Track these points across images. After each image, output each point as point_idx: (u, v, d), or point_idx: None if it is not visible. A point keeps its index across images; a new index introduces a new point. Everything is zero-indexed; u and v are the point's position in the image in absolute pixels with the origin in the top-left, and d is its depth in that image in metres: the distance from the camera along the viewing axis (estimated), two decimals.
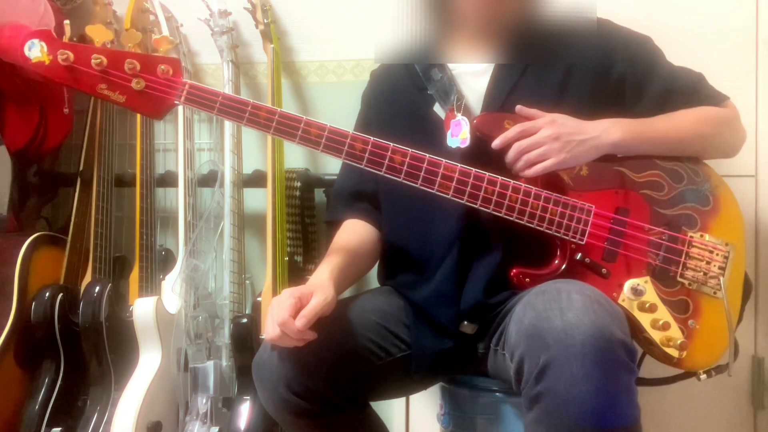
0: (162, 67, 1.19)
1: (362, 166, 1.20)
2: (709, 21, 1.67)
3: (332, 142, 1.19)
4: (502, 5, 1.28)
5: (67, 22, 1.52)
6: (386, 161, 1.19)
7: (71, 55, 1.16)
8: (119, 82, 1.18)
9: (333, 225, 1.45)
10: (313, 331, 1.13)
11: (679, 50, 1.39)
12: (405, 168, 1.19)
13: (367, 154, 1.19)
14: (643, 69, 1.32)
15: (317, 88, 1.89)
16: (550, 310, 1.03)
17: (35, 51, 1.16)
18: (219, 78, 1.81)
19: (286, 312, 1.11)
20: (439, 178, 1.19)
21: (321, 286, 1.19)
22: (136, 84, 1.18)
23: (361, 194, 1.43)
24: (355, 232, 1.40)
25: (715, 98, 1.35)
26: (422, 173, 1.19)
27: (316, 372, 1.16)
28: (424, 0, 1.29)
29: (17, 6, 1.66)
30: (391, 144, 1.19)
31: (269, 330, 1.13)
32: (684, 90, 1.33)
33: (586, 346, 0.97)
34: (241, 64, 1.86)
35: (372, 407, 1.35)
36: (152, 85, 1.19)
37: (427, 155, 1.19)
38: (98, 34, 1.65)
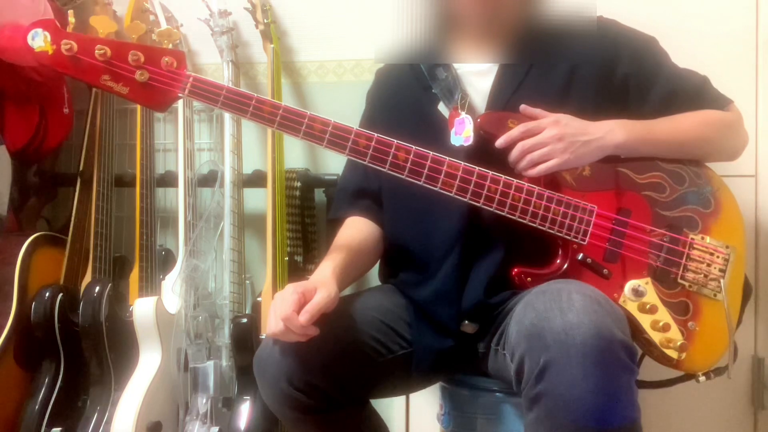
0: (166, 59, 1.18)
1: (366, 162, 1.20)
2: (710, 22, 1.68)
3: (336, 137, 1.19)
4: (500, 5, 1.28)
5: (71, 12, 1.52)
6: (390, 158, 1.19)
7: (75, 45, 1.15)
8: (123, 74, 1.17)
9: (336, 223, 1.45)
10: (316, 327, 1.13)
11: (680, 51, 1.39)
12: (408, 165, 1.19)
13: (370, 151, 1.19)
14: (648, 70, 1.32)
15: (317, 88, 1.89)
16: (550, 311, 1.03)
17: (39, 40, 1.15)
18: (219, 78, 1.80)
19: (290, 307, 1.11)
20: (442, 176, 1.19)
21: (324, 282, 1.19)
22: (140, 76, 1.17)
23: (364, 192, 1.43)
24: (357, 230, 1.40)
25: (719, 101, 1.35)
26: (425, 170, 1.19)
27: (318, 367, 1.16)
28: (425, 0, 1.29)
29: (17, 6, 1.66)
30: (395, 141, 1.19)
31: (272, 324, 1.13)
32: (688, 92, 1.33)
33: (587, 347, 0.97)
34: (241, 64, 1.86)
35: (372, 405, 1.35)
36: (156, 77, 1.18)
37: (431, 153, 1.19)
38: (102, 25, 1.66)
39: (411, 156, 1.19)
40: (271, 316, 1.14)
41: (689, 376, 1.26)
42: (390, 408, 1.78)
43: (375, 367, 1.25)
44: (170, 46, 1.74)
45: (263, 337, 1.59)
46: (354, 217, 1.43)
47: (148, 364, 1.64)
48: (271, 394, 1.19)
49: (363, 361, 1.23)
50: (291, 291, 1.14)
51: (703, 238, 1.25)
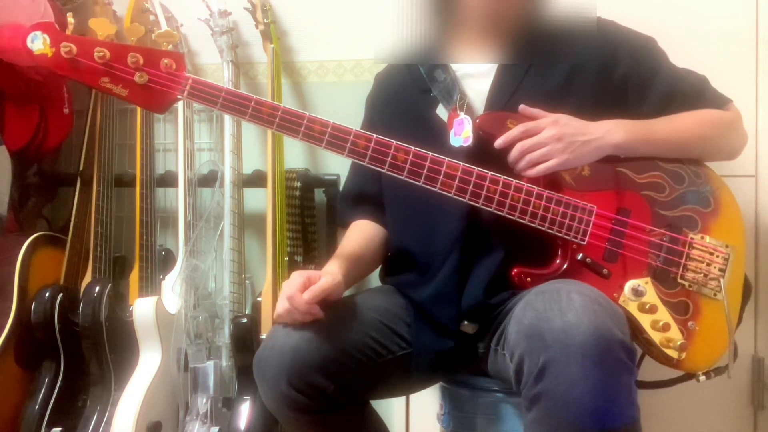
0: (165, 61, 1.18)
1: (365, 163, 1.20)
2: (709, 22, 1.68)
3: (335, 138, 1.19)
4: (503, 5, 1.28)
5: (70, 14, 1.52)
6: (389, 159, 1.19)
7: (74, 48, 1.15)
8: (122, 76, 1.17)
9: (342, 228, 1.48)
10: (320, 309, 1.16)
11: (680, 51, 1.39)
12: (408, 166, 1.19)
13: (369, 152, 1.19)
14: (647, 70, 1.32)
15: (317, 88, 1.89)
16: (550, 311, 1.03)
17: (38, 43, 1.15)
18: (219, 78, 1.81)
19: (295, 288, 1.15)
20: (441, 177, 1.19)
21: (330, 272, 1.23)
22: (139, 78, 1.17)
23: (365, 196, 1.45)
24: (361, 232, 1.42)
25: (718, 101, 1.35)
26: (425, 171, 1.19)
27: (317, 368, 1.16)
28: (426, 0, 1.29)
29: (17, 6, 1.66)
30: (394, 141, 1.19)
31: (278, 306, 1.18)
32: (687, 92, 1.33)
33: (586, 347, 0.97)
34: (241, 64, 1.86)
35: (372, 406, 1.35)
36: (155, 79, 1.18)
37: (430, 153, 1.20)
38: (101, 27, 1.66)
39: (410, 157, 1.19)
40: (279, 299, 1.18)
41: (689, 376, 1.26)
42: (390, 408, 1.78)
43: (375, 367, 1.25)
44: (170, 47, 1.74)
45: (263, 337, 1.59)
46: (358, 221, 1.45)
47: (148, 364, 1.64)
48: (271, 394, 1.19)
49: (363, 362, 1.23)
50: (297, 275, 1.19)
51: (702, 238, 1.25)
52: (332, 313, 1.19)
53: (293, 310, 1.15)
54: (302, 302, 1.14)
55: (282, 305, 1.17)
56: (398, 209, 1.38)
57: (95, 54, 1.16)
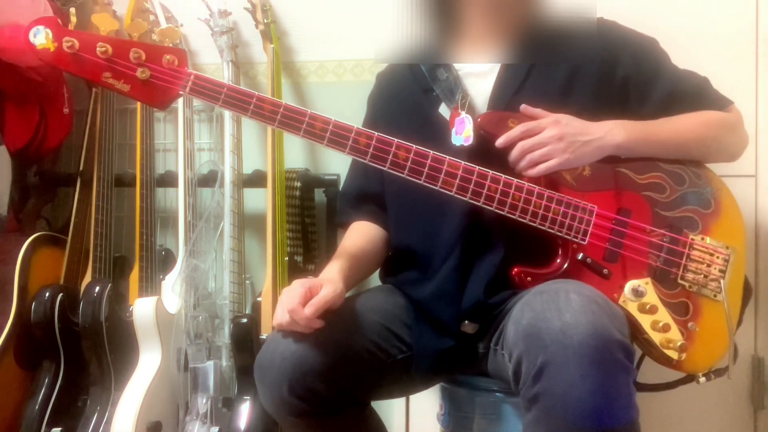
0: (167, 57, 1.18)
1: (366, 161, 1.20)
2: (710, 22, 1.68)
3: (337, 136, 1.19)
4: (503, 5, 1.28)
5: (72, 10, 1.52)
6: (390, 156, 1.19)
7: (76, 43, 1.15)
8: (124, 71, 1.17)
9: (341, 228, 1.47)
10: (321, 320, 1.15)
11: (680, 51, 1.39)
12: (409, 164, 1.19)
13: (371, 149, 1.19)
14: (648, 71, 1.32)
15: (317, 88, 1.89)
16: (548, 311, 1.03)
17: (40, 38, 1.15)
18: (219, 78, 1.80)
19: (296, 300, 1.14)
20: (442, 175, 1.19)
21: (331, 280, 1.21)
22: (141, 73, 1.17)
23: (366, 195, 1.44)
24: (362, 233, 1.42)
25: (719, 102, 1.35)
26: (426, 169, 1.19)
27: (318, 374, 1.16)
28: (426, 0, 1.29)
29: (17, 6, 1.66)
30: (396, 140, 1.19)
31: (278, 316, 1.16)
32: (688, 93, 1.33)
33: (584, 347, 0.97)
34: (241, 64, 1.86)
35: (372, 407, 1.35)
36: (157, 74, 1.18)
37: (431, 152, 1.20)
38: (104, 23, 1.66)
39: (411, 155, 1.19)
40: (279, 308, 1.17)
41: (689, 378, 1.26)
42: (390, 408, 1.79)
43: (375, 371, 1.25)
44: (171, 45, 1.75)
45: (263, 337, 1.60)
46: (358, 221, 1.44)
47: (148, 364, 1.63)
48: (272, 400, 1.19)
49: (363, 367, 1.23)
50: (298, 285, 1.17)
51: (703, 239, 1.25)
52: (333, 318, 1.18)
53: (293, 323, 1.15)
54: (303, 317, 1.13)
55: (283, 317, 1.15)
56: (399, 207, 1.38)
57: (98, 49, 1.16)
